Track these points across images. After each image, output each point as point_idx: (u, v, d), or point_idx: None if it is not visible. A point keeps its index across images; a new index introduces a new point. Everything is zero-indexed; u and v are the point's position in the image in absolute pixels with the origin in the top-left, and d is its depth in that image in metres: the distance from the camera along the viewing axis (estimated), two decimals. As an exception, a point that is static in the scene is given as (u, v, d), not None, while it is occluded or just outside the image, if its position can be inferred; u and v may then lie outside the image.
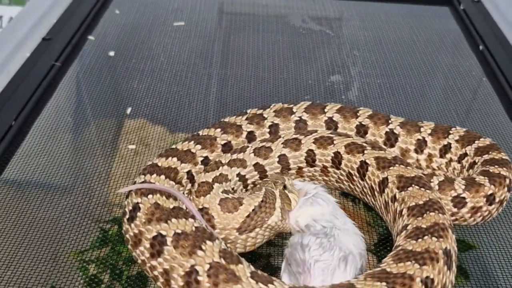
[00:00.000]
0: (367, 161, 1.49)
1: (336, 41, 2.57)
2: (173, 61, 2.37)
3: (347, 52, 2.48)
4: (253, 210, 1.37)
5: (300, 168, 1.59)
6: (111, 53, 2.38)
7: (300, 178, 1.60)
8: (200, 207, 1.38)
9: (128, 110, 2.02)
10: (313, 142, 1.57)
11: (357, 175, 1.52)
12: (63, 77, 2.19)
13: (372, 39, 2.60)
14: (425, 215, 1.32)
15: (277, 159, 1.56)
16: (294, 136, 1.59)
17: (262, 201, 1.39)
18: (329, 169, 1.57)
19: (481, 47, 2.50)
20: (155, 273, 1.25)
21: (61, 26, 2.47)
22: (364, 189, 1.52)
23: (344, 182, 1.57)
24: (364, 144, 1.53)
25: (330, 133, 1.59)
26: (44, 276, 1.35)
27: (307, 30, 2.66)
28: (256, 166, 1.53)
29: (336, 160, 1.55)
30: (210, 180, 1.42)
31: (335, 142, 1.56)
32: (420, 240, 1.24)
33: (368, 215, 1.59)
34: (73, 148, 1.81)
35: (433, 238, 1.25)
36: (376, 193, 1.48)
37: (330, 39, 2.58)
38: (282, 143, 1.57)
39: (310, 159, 1.58)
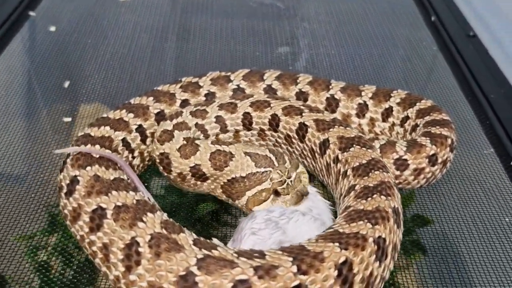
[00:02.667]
0: (306, 123, 1.45)
1: (286, 13, 2.52)
2: (117, 35, 2.31)
3: (297, 24, 2.43)
4: (234, 178, 1.35)
5: (237, 132, 1.55)
6: (52, 28, 2.30)
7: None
8: (192, 164, 1.37)
9: (66, 84, 1.95)
10: (250, 106, 1.52)
11: (296, 137, 1.48)
12: (1, 53, 2.11)
13: (323, 12, 2.56)
14: (370, 174, 1.30)
15: (214, 119, 1.51)
16: (230, 100, 1.54)
17: (244, 177, 1.34)
18: (267, 132, 1.53)
19: (433, 18, 2.48)
20: (94, 248, 1.19)
21: (1, 3, 2.38)
22: (304, 152, 1.48)
23: (282, 145, 1.53)
24: (302, 107, 1.50)
25: (267, 97, 1.55)
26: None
27: (258, 3, 2.61)
28: (197, 126, 1.48)
29: (274, 122, 1.50)
30: (179, 147, 1.38)
31: (272, 105, 1.51)
32: (370, 199, 1.22)
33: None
34: (20, 131, 1.73)
35: (382, 196, 1.23)
36: (316, 155, 1.44)
37: (280, 12, 2.54)
38: (217, 106, 1.52)
39: (247, 122, 1.53)
